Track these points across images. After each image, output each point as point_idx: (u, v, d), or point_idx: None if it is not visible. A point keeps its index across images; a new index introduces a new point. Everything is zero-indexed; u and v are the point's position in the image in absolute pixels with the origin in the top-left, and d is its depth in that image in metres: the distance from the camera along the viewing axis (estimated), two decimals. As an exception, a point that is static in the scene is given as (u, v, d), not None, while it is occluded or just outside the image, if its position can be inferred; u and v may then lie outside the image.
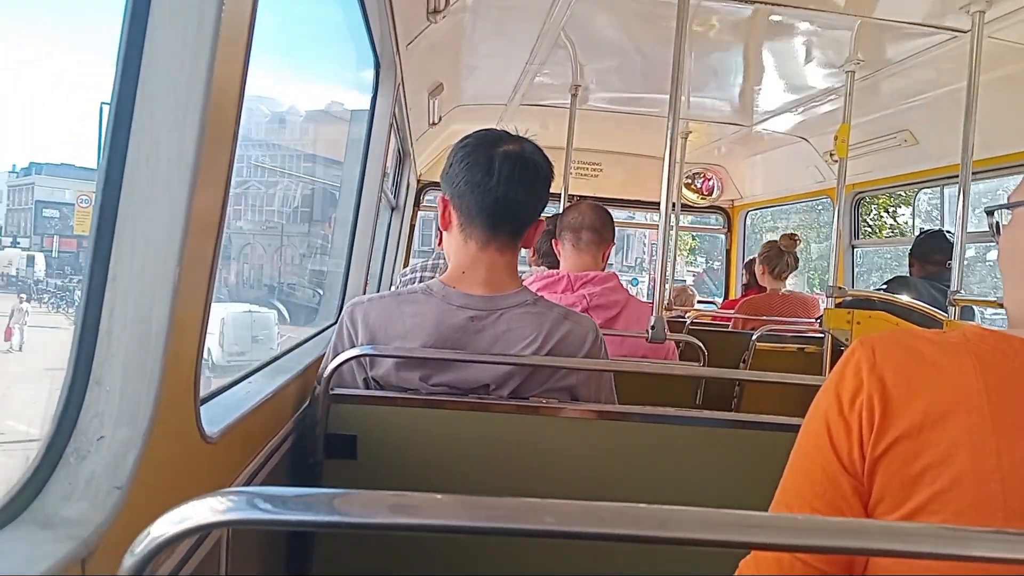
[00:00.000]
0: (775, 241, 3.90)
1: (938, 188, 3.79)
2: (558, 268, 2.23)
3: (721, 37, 2.68)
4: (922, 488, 0.63)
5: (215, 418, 0.90)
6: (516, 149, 1.31)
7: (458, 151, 1.34)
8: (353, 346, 1.32)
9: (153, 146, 0.67)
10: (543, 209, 1.38)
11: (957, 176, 2.34)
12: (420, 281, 2.03)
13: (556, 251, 2.26)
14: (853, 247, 4.12)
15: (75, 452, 0.64)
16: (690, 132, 4.06)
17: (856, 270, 4.24)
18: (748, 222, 5.34)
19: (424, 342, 1.29)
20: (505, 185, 1.29)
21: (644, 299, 5.08)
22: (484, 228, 1.32)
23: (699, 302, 6.09)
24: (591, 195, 4.63)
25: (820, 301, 3.88)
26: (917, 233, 3.54)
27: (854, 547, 0.48)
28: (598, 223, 2.17)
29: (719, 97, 3.53)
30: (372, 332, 1.31)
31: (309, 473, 1.28)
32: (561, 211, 2.45)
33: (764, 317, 3.65)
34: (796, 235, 4.06)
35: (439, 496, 0.47)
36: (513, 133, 1.37)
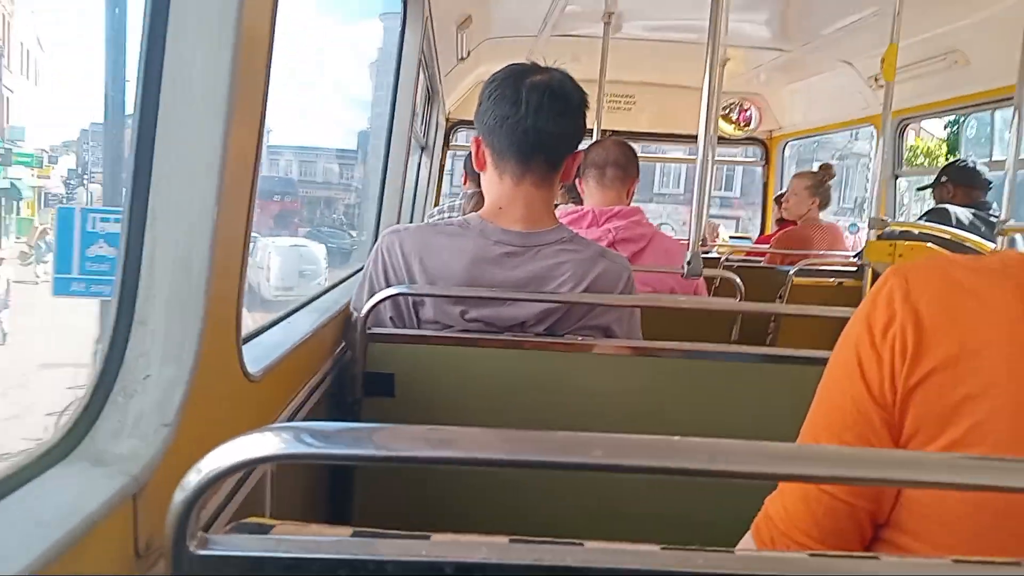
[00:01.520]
0: (808, 172, 3.82)
1: (987, 113, 3.64)
2: (582, 205, 2.20)
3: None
4: (959, 421, 0.61)
5: (257, 357, 0.91)
6: (544, 79, 1.27)
7: (486, 87, 1.31)
8: (387, 274, 1.32)
9: (187, 84, 0.66)
10: (579, 140, 1.34)
11: (1011, 98, 2.23)
12: None
13: (580, 189, 2.22)
14: (896, 176, 3.99)
15: (123, 391, 0.65)
16: (728, 59, 3.91)
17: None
18: (787, 153, 5.19)
19: (459, 275, 1.28)
20: (534, 116, 1.26)
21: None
22: (517, 162, 1.30)
23: (732, 237, 6.00)
24: (624, 130, 4.52)
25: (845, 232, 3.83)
26: (959, 160, 3.41)
27: (886, 479, 0.47)
28: (622, 159, 2.13)
29: (759, 21, 3.38)
30: (407, 261, 1.30)
31: (348, 411, 1.30)
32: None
33: (801, 251, 3.59)
34: (831, 165, 3.97)
35: (483, 430, 0.47)
36: (543, 65, 1.33)
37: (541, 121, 1.26)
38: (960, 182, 3.21)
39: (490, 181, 1.34)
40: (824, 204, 3.83)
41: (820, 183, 3.79)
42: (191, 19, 0.65)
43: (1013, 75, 2.19)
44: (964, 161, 3.30)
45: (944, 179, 3.27)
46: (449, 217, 2.49)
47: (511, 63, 1.32)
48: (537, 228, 1.32)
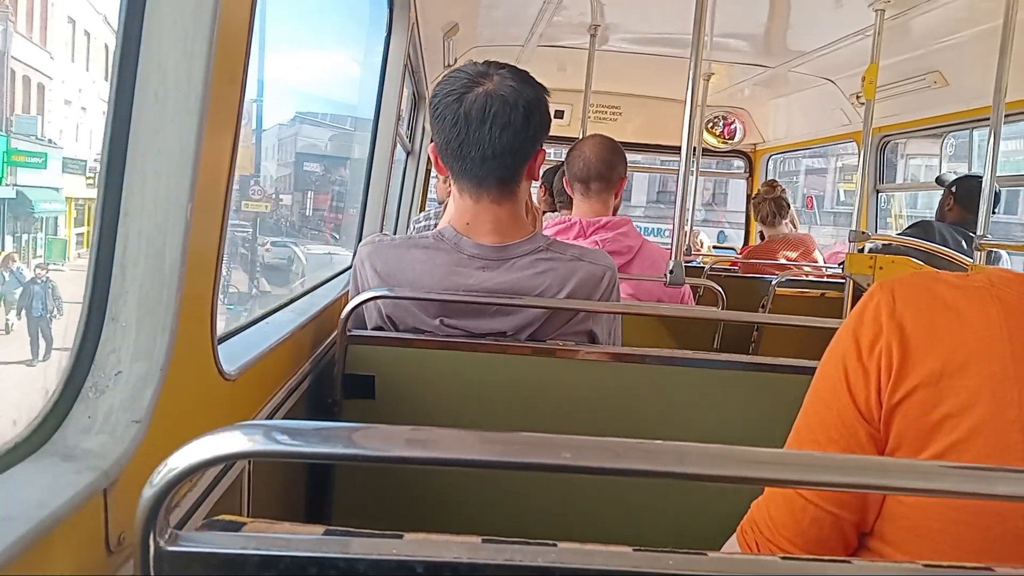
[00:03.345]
0: (760, 189, 3.92)
1: (966, 131, 3.68)
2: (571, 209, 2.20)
3: (746, -28, 2.58)
4: (940, 437, 0.61)
5: (234, 356, 0.90)
6: (483, 92, 1.20)
7: (431, 102, 1.25)
8: (360, 288, 1.32)
9: (161, 77, 0.65)
10: (536, 144, 1.26)
11: (987, 119, 2.26)
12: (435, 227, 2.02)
13: (568, 191, 2.21)
14: (878, 191, 4.04)
15: (94, 387, 0.64)
16: (712, 74, 3.95)
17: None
18: (770, 166, 5.24)
19: (434, 288, 1.28)
20: (477, 135, 1.20)
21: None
22: (470, 182, 1.27)
23: (715, 247, 6.04)
24: (609, 140, 4.54)
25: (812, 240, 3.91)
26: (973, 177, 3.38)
27: (875, 484, 0.47)
28: (604, 170, 2.10)
29: (743, 37, 3.42)
30: (381, 278, 1.30)
31: (327, 412, 1.29)
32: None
33: (767, 261, 3.66)
34: (776, 181, 4.05)
35: (456, 430, 0.47)
36: (491, 63, 1.25)
37: (486, 140, 1.20)
38: (960, 202, 3.11)
39: (453, 195, 1.32)
40: (779, 217, 3.88)
41: (764, 201, 3.89)
42: (167, 11, 0.65)
43: (989, 96, 2.23)
44: (977, 178, 3.17)
45: (954, 189, 3.17)
46: (436, 224, 2.48)
47: (455, 69, 1.27)
48: (509, 240, 1.30)
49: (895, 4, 2.61)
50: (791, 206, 3.91)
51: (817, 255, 3.92)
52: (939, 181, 3.33)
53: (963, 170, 3.78)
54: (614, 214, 2.17)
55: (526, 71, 1.26)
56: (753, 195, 4.05)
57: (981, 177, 3.23)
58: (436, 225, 1.37)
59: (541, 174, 1.89)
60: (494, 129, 1.20)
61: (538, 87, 1.26)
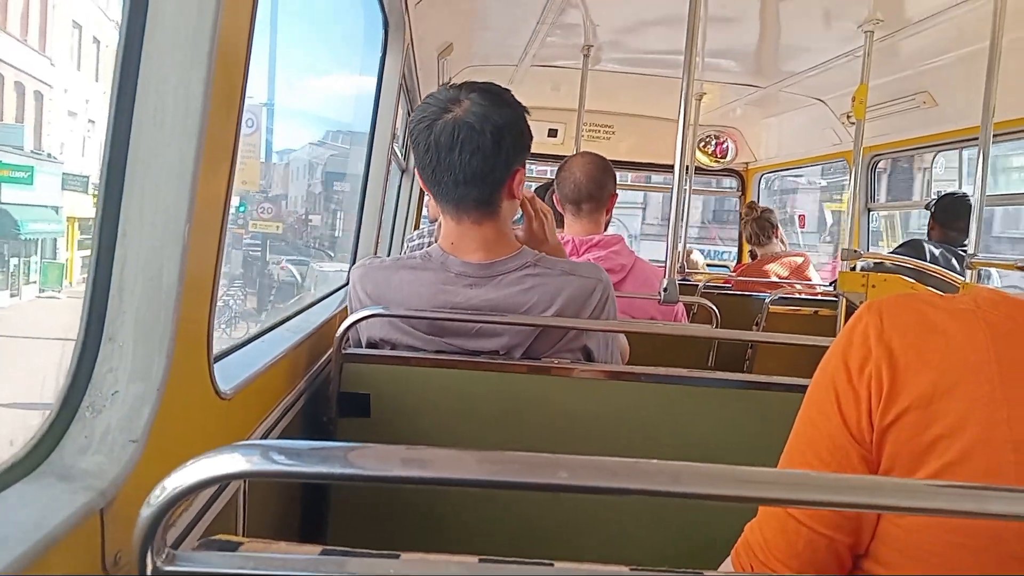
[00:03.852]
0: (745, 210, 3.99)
1: (956, 151, 3.73)
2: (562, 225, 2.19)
3: (738, -6, 2.62)
4: (932, 460, 0.62)
5: (230, 375, 0.90)
6: (451, 119, 1.21)
7: (408, 126, 1.28)
8: (353, 308, 1.32)
9: (159, 102, 0.66)
10: (510, 164, 1.26)
11: (976, 138, 2.29)
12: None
13: (559, 209, 2.21)
14: (869, 210, 4.08)
15: (90, 406, 0.64)
16: (704, 94, 3.99)
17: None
18: (762, 184, 5.28)
19: (422, 307, 1.28)
20: (447, 161, 1.21)
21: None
22: (447, 205, 1.28)
23: (709, 265, 6.07)
24: (603, 158, 4.58)
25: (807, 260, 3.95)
26: (933, 196, 3.48)
27: (869, 503, 0.48)
28: (595, 190, 2.10)
29: (734, 57, 3.46)
30: (372, 300, 1.32)
31: (322, 431, 1.29)
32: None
33: (759, 279, 3.70)
34: (754, 203, 4.10)
35: (452, 450, 0.47)
36: (464, 87, 1.25)
37: (456, 166, 1.21)
38: (937, 219, 3.22)
39: (440, 214, 1.34)
40: (768, 237, 3.92)
41: (747, 222, 3.94)
42: (166, 38, 0.66)
43: (978, 117, 2.25)
44: (953, 196, 3.26)
45: (932, 209, 3.27)
46: (429, 242, 2.49)
47: (429, 95, 1.28)
48: (496, 257, 1.30)
49: (884, 25, 2.65)
50: (776, 226, 3.94)
51: (812, 273, 3.94)
52: (927, 207, 3.38)
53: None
54: (604, 230, 2.18)
55: (501, 91, 1.26)
56: (743, 217, 4.10)
57: (956, 195, 3.32)
58: (429, 244, 1.38)
59: (533, 191, 1.89)
60: (463, 155, 1.21)
61: (511, 108, 1.25)
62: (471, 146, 1.20)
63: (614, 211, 2.26)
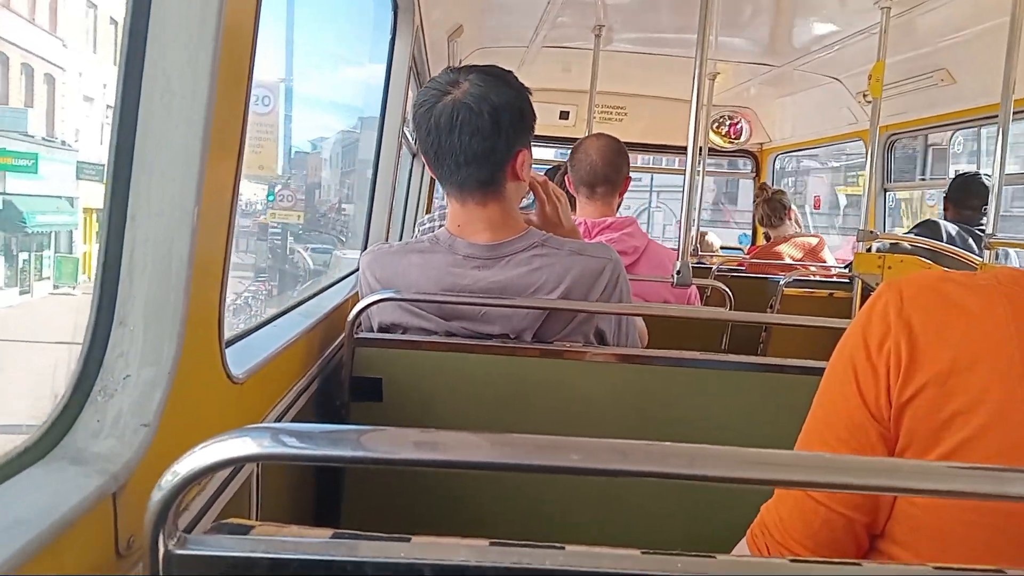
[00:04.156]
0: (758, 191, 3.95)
1: (974, 129, 3.68)
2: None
3: (752, -29, 2.58)
4: (950, 435, 0.61)
5: (242, 359, 0.91)
6: (450, 101, 1.22)
7: (412, 111, 1.28)
8: (371, 293, 1.32)
9: (166, 83, 0.66)
10: (511, 145, 1.25)
11: (996, 116, 2.25)
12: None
13: (570, 189, 2.19)
14: (886, 190, 4.03)
15: (102, 390, 0.64)
16: (718, 73, 3.95)
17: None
18: (777, 165, 5.23)
19: (431, 291, 1.28)
20: (448, 142, 1.22)
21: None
22: (451, 187, 1.29)
23: (723, 248, 6.04)
24: (615, 140, 4.55)
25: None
26: (952, 176, 3.45)
27: (887, 486, 0.47)
28: (611, 173, 2.09)
29: (749, 36, 3.41)
30: (382, 285, 1.32)
31: (335, 415, 1.30)
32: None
33: (773, 261, 3.66)
34: (766, 184, 4.06)
35: (465, 433, 0.47)
36: (464, 69, 1.26)
37: (457, 147, 1.22)
38: (951, 199, 3.24)
39: (445, 197, 1.34)
40: (780, 218, 3.89)
41: (758, 204, 3.90)
42: (171, 17, 0.65)
43: (997, 94, 2.21)
44: (966, 176, 3.30)
45: (946, 189, 3.30)
46: (441, 225, 2.49)
47: (431, 79, 1.28)
48: (503, 238, 1.30)
49: (901, 2, 2.60)
50: (789, 207, 3.90)
51: (827, 255, 3.90)
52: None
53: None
54: (616, 212, 2.16)
55: (502, 73, 1.26)
56: (755, 199, 4.07)
57: (968, 175, 3.31)
58: (440, 227, 1.38)
59: (544, 174, 1.88)
60: (463, 136, 1.22)
61: (510, 88, 1.25)
62: (470, 127, 1.21)
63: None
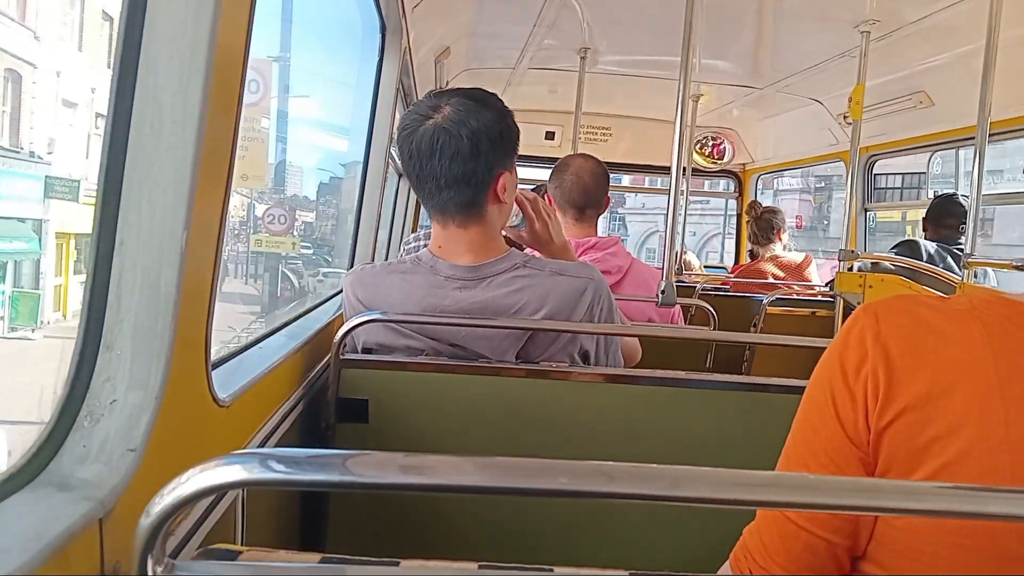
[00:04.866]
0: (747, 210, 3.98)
1: (953, 150, 3.74)
2: None
3: (733, -4, 2.62)
4: (929, 460, 0.62)
5: (227, 382, 0.90)
6: (430, 127, 1.23)
7: (396, 135, 1.30)
8: (347, 315, 1.33)
9: (157, 109, 0.66)
10: (492, 168, 1.26)
11: (973, 138, 2.30)
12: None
13: (549, 201, 2.17)
14: (866, 210, 4.08)
15: (88, 416, 0.64)
16: (701, 95, 4.00)
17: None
18: (760, 185, 5.29)
19: (412, 311, 1.29)
20: (428, 166, 1.24)
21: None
22: (434, 210, 1.31)
23: (706, 267, 6.08)
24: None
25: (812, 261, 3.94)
26: (931, 197, 3.51)
27: (869, 506, 0.48)
28: (601, 196, 2.11)
29: (731, 59, 3.47)
30: (365, 305, 1.32)
31: (321, 437, 1.29)
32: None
33: (755, 280, 3.70)
34: (755, 202, 4.10)
35: (451, 456, 0.47)
36: (445, 93, 1.26)
37: (437, 171, 1.24)
38: (929, 219, 3.30)
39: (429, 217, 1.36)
40: (768, 238, 3.92)
41: (752, 220, 3.93)
42: (163, 43, 0.66)
43: (974, 116, 2.26)
44: (944, 196, 3.37)
45: (925, 213, 3.36)
46: (425, 245, 2.49)
47: (414, 104, 1.29)
48: (484, 259, 1.31)
49: (881, 25, 2.66)
50: (779, 228, 3.93)
51: (813, 271, 3.93)
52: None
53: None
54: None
55: (485, 96, 1.27)
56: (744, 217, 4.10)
57: (946, 195, 3.37)
58: (425, 246, 1.38)
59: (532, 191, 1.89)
60: (443, 160, 1.23)
61: (491, 112, 1.25)
62: (450, 151, 1.23)
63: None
